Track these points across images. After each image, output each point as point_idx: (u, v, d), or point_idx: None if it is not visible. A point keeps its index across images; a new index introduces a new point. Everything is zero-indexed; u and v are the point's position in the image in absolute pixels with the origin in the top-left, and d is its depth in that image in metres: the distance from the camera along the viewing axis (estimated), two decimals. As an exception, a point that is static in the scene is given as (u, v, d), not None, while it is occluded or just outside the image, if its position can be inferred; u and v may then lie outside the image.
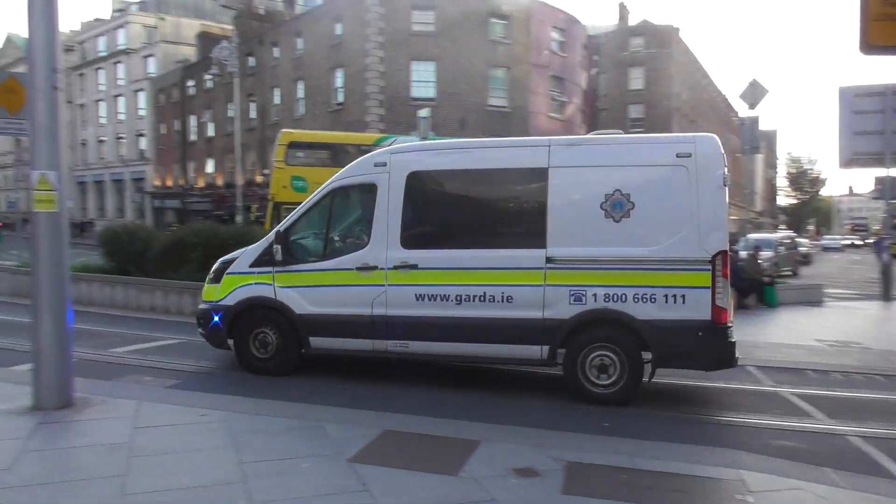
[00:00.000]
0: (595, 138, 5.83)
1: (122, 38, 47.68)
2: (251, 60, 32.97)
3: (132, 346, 7.33)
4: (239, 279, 6.40)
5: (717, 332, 5.32)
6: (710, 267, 5.35)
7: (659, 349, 5.47)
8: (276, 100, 31.64)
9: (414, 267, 5.88)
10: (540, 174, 5.72)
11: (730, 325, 5.39)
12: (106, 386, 5.15)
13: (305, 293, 6.20)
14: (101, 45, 49.72)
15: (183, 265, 10.94)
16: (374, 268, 5.96)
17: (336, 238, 6.39)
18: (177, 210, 36.11)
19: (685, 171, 5.27)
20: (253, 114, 33.13)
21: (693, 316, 5.27)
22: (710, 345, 5.33)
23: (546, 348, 5.66)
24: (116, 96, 47.70)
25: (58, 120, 4.59)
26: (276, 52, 31.68)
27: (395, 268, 5.91)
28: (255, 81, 32.72)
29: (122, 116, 47.32)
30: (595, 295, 5.52)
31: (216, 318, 6.28)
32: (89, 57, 47.46)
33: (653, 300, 5.43)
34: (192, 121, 38.73)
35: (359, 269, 5.99)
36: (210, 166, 35.81)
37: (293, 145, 16.69)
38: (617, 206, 5.50)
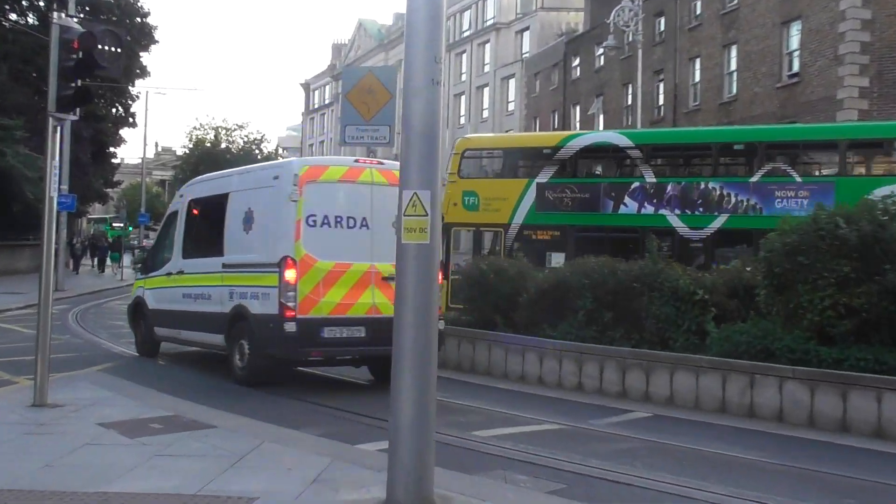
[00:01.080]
0: (246, 168, 12.98)
1: (490, 12, 56.78)
2: (660, 24, 35.68)
3: (498, 430, 8.75)
4: (137, 283, 14.99)
5: (279, 324, 10.75)
6: (278, 270, 10.73)
7: (258, 338, 11.27)
8: (696, 76, 33.83)
9: (182, 272, 13.13)
10: (225, 197, 12.13)
11: (293, 318, 10.79)
12: (468, 482, 6.23)
13: (152, 293, 14.01)
14: (466, 22, 59.02)
15: (565, 317, 12.50)
16: (171, 273, 13.39)
17: (165, 253, 13.96)
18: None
19: (275, 190, 10.10)
20: (661, 98, 35.96)
21: (271, 311, 10.47)
22: (276, 336, 10.82)
23: (223, 337, 11.88)
24: (481, 87, 58.32)
25: (437, 124, 5.53)
26: (697, 7, 33.86)
27: (178, 273, 13.19)
28: (665, 52, 35.41)
29: (486, 112, 55.82)
30: (239, 293, 11.61)
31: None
32: (451, 39, 55.48)
33: (256, 297, 11.34)
34: (576, 112, 43.63)
35: (166, 275, 13.48)
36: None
37: (468, 154, 20.60)
38: (247, 221, 11.47)
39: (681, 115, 34.36)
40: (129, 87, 47.68)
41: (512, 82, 53.60)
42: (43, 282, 9.19)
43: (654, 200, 18.32)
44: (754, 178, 17.28)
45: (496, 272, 14.00)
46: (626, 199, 18.62)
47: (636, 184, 18.50)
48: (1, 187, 34.46)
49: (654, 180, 18.35)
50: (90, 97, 9.55)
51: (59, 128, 9.17)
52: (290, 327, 11.10)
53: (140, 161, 58.82)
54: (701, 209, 17.49)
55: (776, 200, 16.67)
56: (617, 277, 12.42)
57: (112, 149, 50.35)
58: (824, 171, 17.41)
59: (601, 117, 40.68)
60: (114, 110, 48.75)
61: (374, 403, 9.83)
